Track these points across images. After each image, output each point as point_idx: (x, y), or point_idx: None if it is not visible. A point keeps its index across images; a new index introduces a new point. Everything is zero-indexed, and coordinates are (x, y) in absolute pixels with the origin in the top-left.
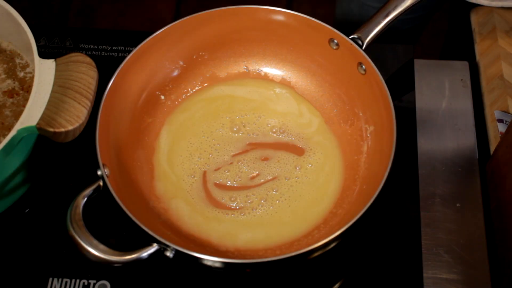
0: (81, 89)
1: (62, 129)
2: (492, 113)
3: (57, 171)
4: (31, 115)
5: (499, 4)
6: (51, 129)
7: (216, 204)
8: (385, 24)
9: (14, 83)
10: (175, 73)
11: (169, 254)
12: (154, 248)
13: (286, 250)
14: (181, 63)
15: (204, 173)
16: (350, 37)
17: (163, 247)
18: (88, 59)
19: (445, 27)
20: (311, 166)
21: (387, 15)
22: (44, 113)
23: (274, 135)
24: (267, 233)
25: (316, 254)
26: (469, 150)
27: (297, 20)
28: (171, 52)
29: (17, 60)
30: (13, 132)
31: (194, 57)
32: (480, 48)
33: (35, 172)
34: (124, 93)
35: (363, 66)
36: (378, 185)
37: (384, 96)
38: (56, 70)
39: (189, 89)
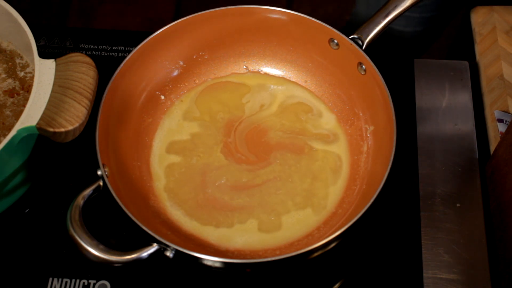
0: (81, 89)
1: (62, 129)
2: (492, 113)
3: (57, 171)
4: (31, 115)
5: None
6: (51, 129)
7: (216, 203)
8: (385, 24)
9: (14, 82)
10: (175, 73)
11: (169, 254)
12: (154, 248)
13: (286, 250)
14: (181, 63)
15: (204, 173)
16: (350, 37)
17: (163, 247)
18: (88, 59)
19: (445, 27)
20: (312, 165)
21: (387, 15)
22: (44, 113)
23: (275, 135)
24: (267, 233)
25: (316, 254)
26: (469, 150)
27: (297, 20)
28: (171, 52)
29: (17, 60)
30: (13, 132)
31: (194, 57)
32: (480, 48)
33: (35, 172)
34: (124, 93)
35: (363, 66)
36: (378, 185)
37: (384, 96)
38: (56, 70)
39: (189, 89)
